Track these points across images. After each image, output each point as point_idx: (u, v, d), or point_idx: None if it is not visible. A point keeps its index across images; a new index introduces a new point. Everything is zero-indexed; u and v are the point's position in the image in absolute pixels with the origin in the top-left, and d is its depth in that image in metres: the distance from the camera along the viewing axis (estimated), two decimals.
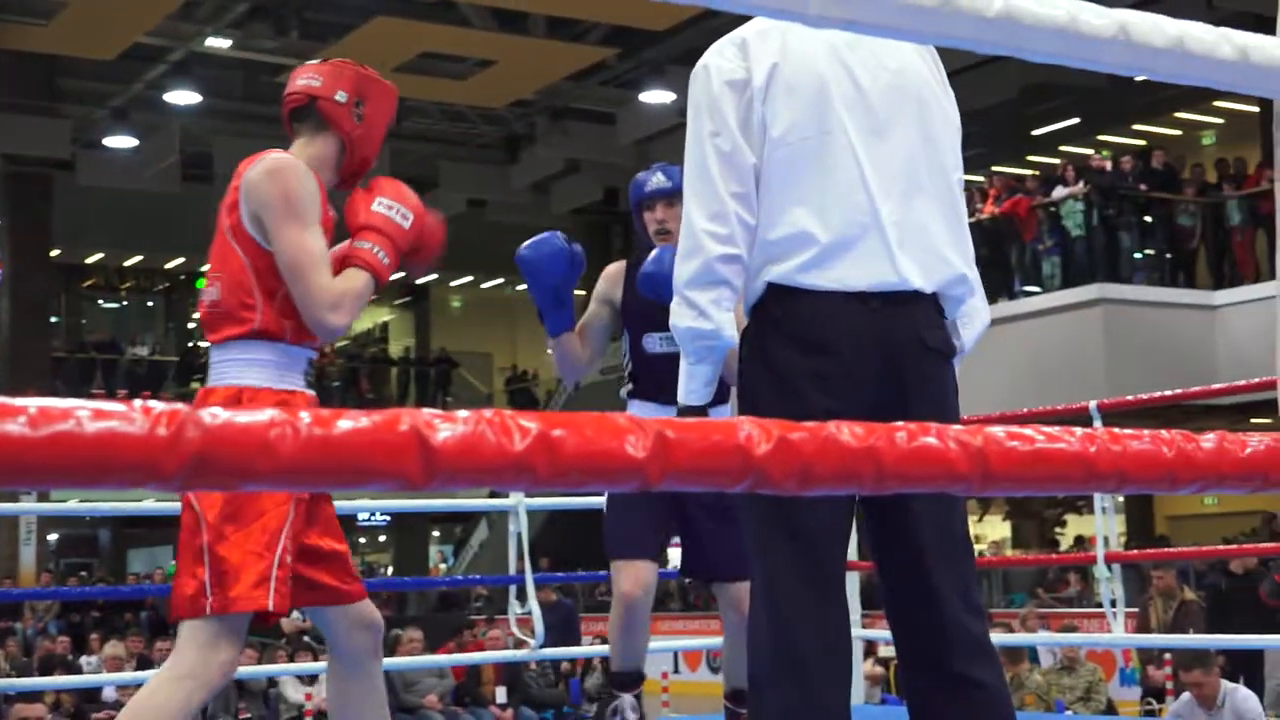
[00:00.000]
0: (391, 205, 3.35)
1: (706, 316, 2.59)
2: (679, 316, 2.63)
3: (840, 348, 2.60)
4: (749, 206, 2.60)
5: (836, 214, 2.60)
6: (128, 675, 10.07)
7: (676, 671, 17.14)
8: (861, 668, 7.22)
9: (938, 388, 2.69)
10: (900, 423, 1.42)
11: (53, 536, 25.97)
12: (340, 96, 3.35)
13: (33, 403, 1.09)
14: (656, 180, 4.50)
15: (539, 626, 6.36)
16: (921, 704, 2.68)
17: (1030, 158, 22.46)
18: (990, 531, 24.09)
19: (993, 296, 16.98)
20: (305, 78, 3.40)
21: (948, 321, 2.74)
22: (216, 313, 3.23)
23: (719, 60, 2.66)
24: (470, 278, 31.95)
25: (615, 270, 4.64)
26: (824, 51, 2.63)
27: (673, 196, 4.43)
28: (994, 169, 19.87)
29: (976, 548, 22.63)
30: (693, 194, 2.62)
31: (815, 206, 2.59)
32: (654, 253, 4.27)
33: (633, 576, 4.31)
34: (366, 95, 3.38)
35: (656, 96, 20.24)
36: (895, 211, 2.62)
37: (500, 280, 32.22)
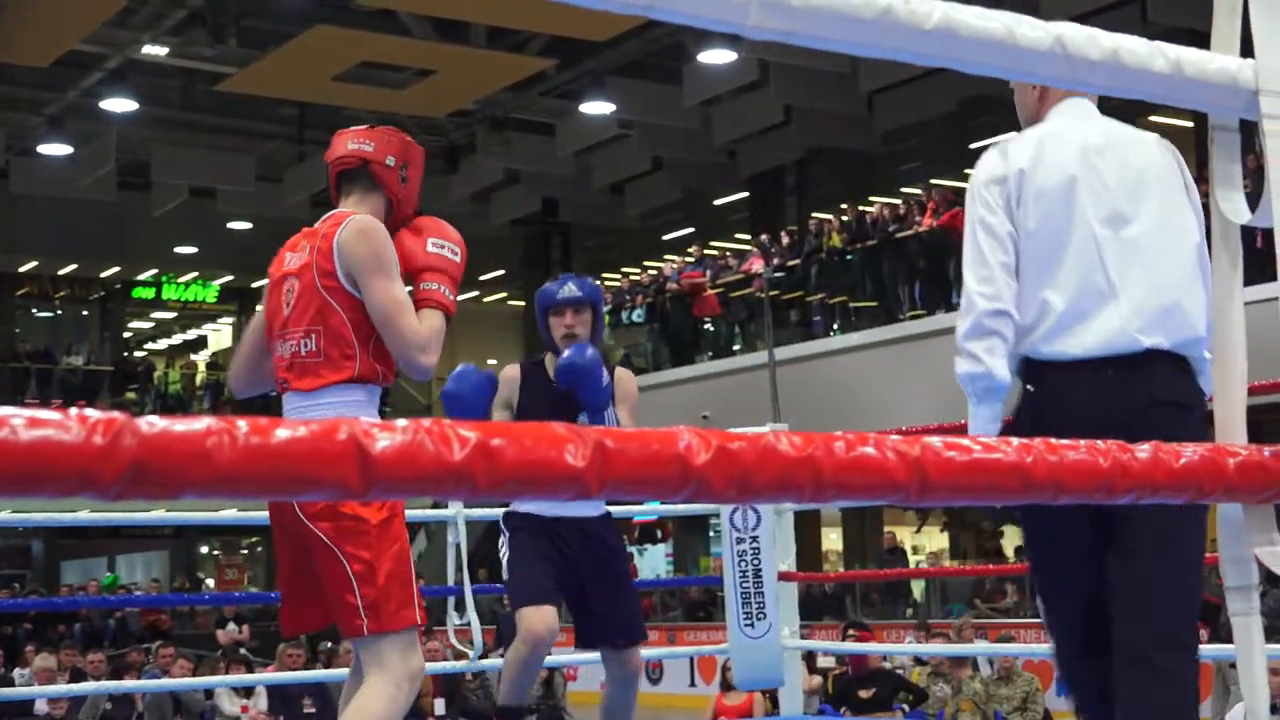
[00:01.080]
0: (442, 244, 3.72)
1: (980, 361, 3.03)
2: (960, 365, 3.07)
3: (1072, 412, 2.97)
4: (1012, 273, 3.06)
5: (1075, 291, 3.02)
6: (60, 688, 9.96)
7: None
8: (799, 679, 7.23)
9: (1169, 438, 2.81)
10: (840, 433, 1.42)
11: None
12: (389, 161, 3.70)
13: None
14: (568, 289, 4.78)
15: (477, 638, 6.35)
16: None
17: (969, 171, 22.55)
18: (928, 542, 24.20)
19: (931, 308, 17.06)
20: (356, 142, 3.73)
21: (1197, 375, 3.06)
22: (315, 362, 3.54)
23: (986, 162, 3.20)
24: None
25: (512, 373, 4.89)
26: (1076, 155, 3.11)
27: (580, 304, 4.77)
28: (933, 182, 19.99)
29: (914, 559, 22.56)
30: (968, 265, 3.11)
31: (1058, 287, 3.03)
32: (571, 348, 4.60)
33: (543, 618, 4.58)
34: (409, 160, 3.75)
35: (596, 108, 20.23)
36: (1132, 285, 3.02)
37: None
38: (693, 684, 17.76)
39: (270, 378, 3.73)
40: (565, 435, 1.24)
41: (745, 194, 25.28)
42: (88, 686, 9.22)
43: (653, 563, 25.10)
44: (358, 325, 3.53)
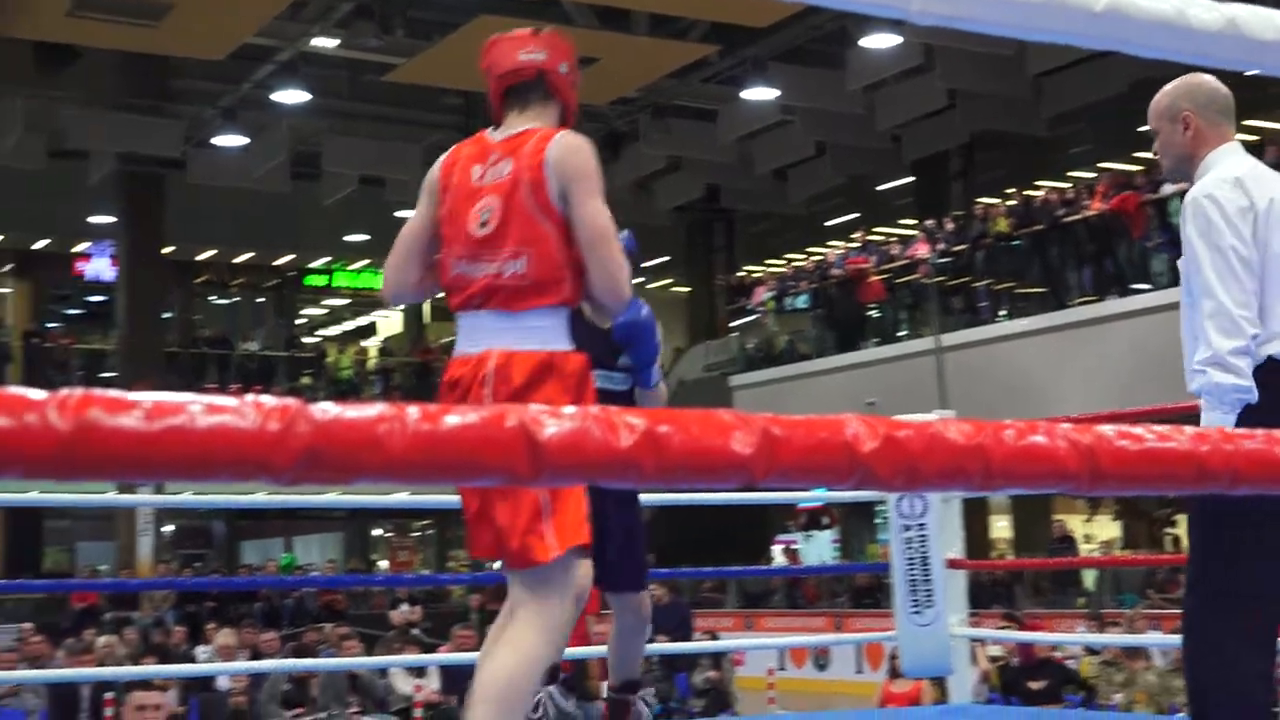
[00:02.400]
0: None
1: (1246, 377, 3.38)
2: (1224, 378, 3.39)
3: None
4: (1258, 299, 3.45)
5: None
6: (240, 665, 10.22)
7: (782, 669, 17.11)
8: (968, 667, 7.16)
9: None
10: (1009, 420, 1.41)
11: (168, 528, 26.38)
12: (563, 68, 3.53)
13: (147, 397, 1.11)
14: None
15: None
16: None
17: (1138, 154, 22.18)
18: (1100, 531, 23.81)
19: (1101, 294, 16.76)
20: (529, 52, 3.52)
21: None
22: (522, 284, 3.35)
23: (1228, 194, 3.51)
24: None
25: None
26: None
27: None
28: (1102, 165, 19.63)
29: (1085, 548, 22.23)
30: (1224, 288, 3.44)
31: None
32: (630, 305, 4.17)
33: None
34: (572, 63, 3.58)
35: (758, 94, 20.17)
36: None
37: None
38: (860, 671, 17.67)
39: (429, 290, 3.62)
40: (732, 423, 1.24)
41: (910, 179, 25.05)
42: (266, 664, 9.44)
43: (819, 549, 25.04)
44: (567, 247, 3.36)
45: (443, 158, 3.56)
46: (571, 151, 3.38)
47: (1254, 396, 3.37)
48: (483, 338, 3.37)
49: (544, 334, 3.34)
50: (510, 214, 3.37)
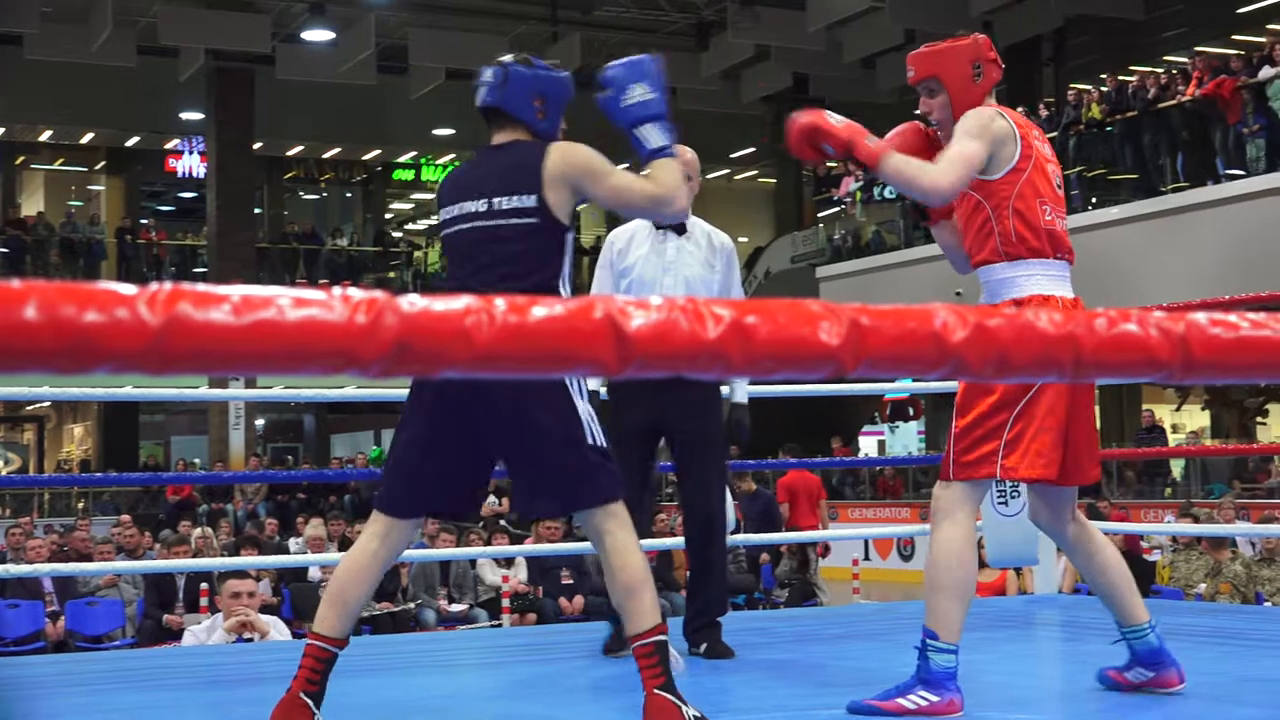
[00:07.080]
0: None
1: None
2: None
3: None
4: None
5: None
6: (331, 556, 10.37)
7: (867, 559, 17.16)
8: (1054, 557, 7.15)
9: None
10: (1100, 309, 1.39)
11: (260, 422, 26.77)
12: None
13: (236, 291, 1.11)
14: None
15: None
16: None
17: (1236, 36, 21.68)
18: (1189, 421, 23.59)
19: (1196, 181, 16.47)
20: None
21: None
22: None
23: None
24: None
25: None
26: None
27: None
28: (1198, 49, 19.20)
29: (1174, 438, 22.06)
30: None
31: None
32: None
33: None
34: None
35: None
36: None
37: None
38: None
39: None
40: (820, 313, 1.23)
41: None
42: None
43: (905, 440, 25.03)
44: None
45: (1003, 114, 4.22)
46: None
47: None
48: (1068, 286, 4.00)
49: None
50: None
